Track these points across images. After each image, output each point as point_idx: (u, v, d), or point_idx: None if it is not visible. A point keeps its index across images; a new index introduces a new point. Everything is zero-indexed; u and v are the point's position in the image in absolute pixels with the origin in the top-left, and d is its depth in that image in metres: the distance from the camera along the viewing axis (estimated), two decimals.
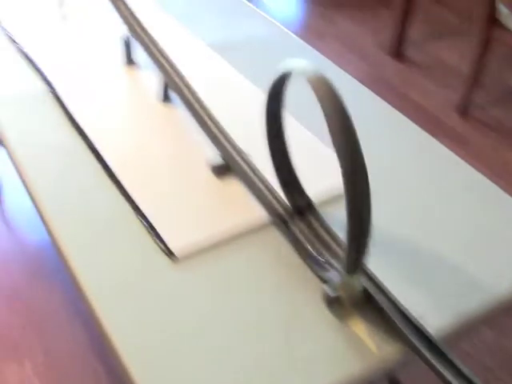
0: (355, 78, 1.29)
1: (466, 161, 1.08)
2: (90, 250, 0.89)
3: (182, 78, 1.10)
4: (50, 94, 1.20)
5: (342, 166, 0.68)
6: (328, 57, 1.37)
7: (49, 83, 1.22)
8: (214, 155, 1.01)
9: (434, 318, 0.80)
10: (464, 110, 2.63)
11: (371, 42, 3.13)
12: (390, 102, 1.22)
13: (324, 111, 0.68)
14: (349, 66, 2.84)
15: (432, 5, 3.46)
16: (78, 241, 0.90)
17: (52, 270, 1.95)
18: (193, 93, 1.07)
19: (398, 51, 3.01)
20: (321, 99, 0.69)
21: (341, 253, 0.84)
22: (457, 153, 1.10)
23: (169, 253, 0.87)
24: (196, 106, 1.05)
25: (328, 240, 0.87)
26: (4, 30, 1.39)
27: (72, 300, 1.86)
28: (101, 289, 0.84)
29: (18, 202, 2.18)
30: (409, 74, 2.89)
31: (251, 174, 0.95)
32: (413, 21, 3.01)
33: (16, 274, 1.94)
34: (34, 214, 2.06)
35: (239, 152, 0.98)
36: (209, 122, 1.03)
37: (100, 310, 0.81)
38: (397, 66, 2.94)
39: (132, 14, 1.24)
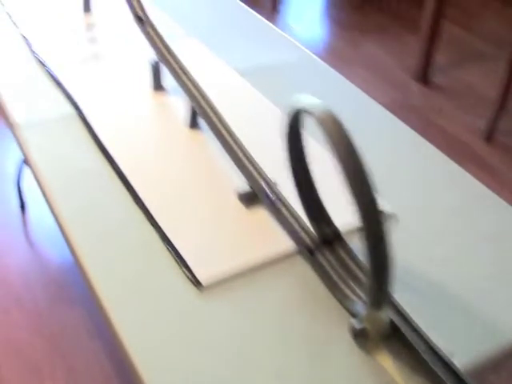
0: (381, 103, 1.29)
1: (491, 187, 1.06)
2: (114, 274, 0.89)
3: (210, 104, 1.10)
4: (78, 118, 1.20)
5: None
6: (353, 81, 1.36)
7: (77, 107, 1.22)
8: (241, 183, 1.01)
9: (463, 354, 0.79)
10: (490, 136, 2.62)
11: (397, 66, 3.13)
12: (415, 127, 1.21)
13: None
14: (374, 91, 2.84)
15: (458, 29, 3.46)
16: (102, 265, 0.90)
17: (75, 292, 1.95)
18: (221, 119, 1.07)
19: (424, 76, 3.00)
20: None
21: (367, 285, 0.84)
22: (482, 179, 1.09)
23: (195, 281, 0.87)
24: (224, 132, 1.05)
25: (355, 271, 0.86)
26: (34, 53, 1.40)
27: (95, 322, 1.87)
28: (125, 315, 0.84)
29: (41, 223, 2.19)
30: (435, 99, 2.88)
31: (278, 203, 0.95)
32: (439, 45, 3.01)
33: (38, 294, 1.95)
34: (57, 235, 2.08)
35: (266, 180, 0.97)
36: (236, 149, 1.03)
37: (124, 336, 0.81)
38: (423, 91, 2.93)
39: (161, 38, 1.25)
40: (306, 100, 0.74)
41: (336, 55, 3.25)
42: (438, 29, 2.92)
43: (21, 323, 1.87)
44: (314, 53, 1.46)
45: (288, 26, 3.46)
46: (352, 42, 3.39)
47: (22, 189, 2.24)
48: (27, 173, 2.26)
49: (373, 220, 0.68)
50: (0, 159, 2.49)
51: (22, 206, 2.23)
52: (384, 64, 3.16)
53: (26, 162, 1.15)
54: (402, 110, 2.76)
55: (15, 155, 2.48)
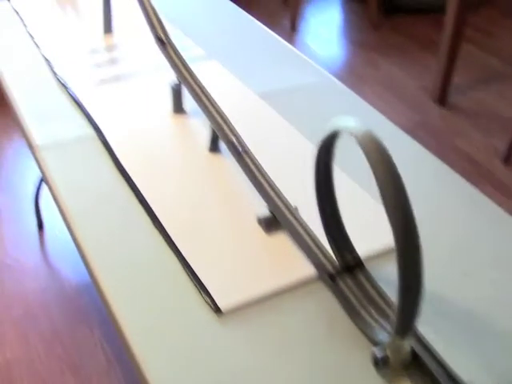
0: (398, 123, 1.28)
1: (509, 209, 1.05)
2: (133, 298, 0.89)
3: (231, 128, 1.10)
4: (98, 140, 1.20)
5: (395, 238, 0.67)
6: (371, 101, 1.36)
7: (97, 128, 1.22)
8: (261, 207, 1.01)
9: (482, 383, 0.78)
10: (508, 157, 2.61)
11: (415, 86, 3.12)
12: (433, 149, 1.21)
13: (376, 177, 0.67)
14: (392, 112, 2.84)
15: (476, 50, 3.45)
16: (121, 288, 0.90)
17: (91, 312, 1.95)
18: (242, 144, 1.07)
19: (442, 97, 3.00)
20: (373, 164, 0.68)
21: (390, 313, 0.83)
22: (499, 200, 1.08)
23: (215, 308, 0.86)
24: (245, 157, 1.05)
25: (377, 299, 0.85)
26: (55, 74, 1.40)
27: (111, 343, 1.86)
28: (143, 339, 0.83)
29: (58, 242, 2.20)
30: (453, 120, 2.88)
31: (299, 229, 0.94)
32: (458, 66, 3.01)
33: (55, 314, 1.95)
34: (74, 255, 2.08)
35: (287, 205, 0.97)
36: (257, 174, 1.02)
37: (142, 360, 0.81)
38: (441, 112, 2.93)
39: (182, 61, 1.25)
40: (345, 121, 0.74)
41: (354, 75, 3.25)
42: (456, 50, 2.91)
43: (37, 343, 1.87)
44: (332, 72, 1.46)
45: (307, 46, 3.47)
46: (370, 62, 3.39)
47: (39, 208, 2.25)
48: (45, 192, 2.27)
49: (410, 244, 0.68)
50: (18, 178, 2.50)
51: (40, 225, 2.24)
52: (402, 84, 3.16)
53: (44, 181, 1.15)
54: (420, 131, 2.76)
55: (33, 174, 2.49)
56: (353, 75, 3.25)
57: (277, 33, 1.65)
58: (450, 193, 1.11)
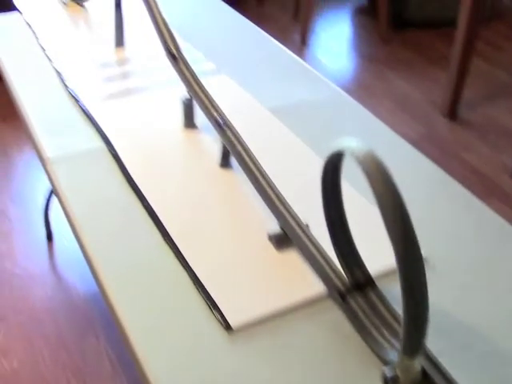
0: (408, 137, 1.28)
1: None
2: (142, 311, 0.89)
3: (242, 144, 1.10)
4: (109, 153, 1.21)
5: (397, 258, 0.67)
6: (380, 115, 1.36)
7: (108, 142, 1.23)
8: (272, 224, 1.01)
9: None
10: None
11: (424, 101, 3.12)
12: (441, 163, 1.21)
13: (376, 197, 0.67)
14: (401, 125, 2.84)
15: (485, 64, 3.45)
16: (130, 301, 0.90)
17: (99, 323, 1.95)
18: (253, 160, 1.07)
19: (451, 111, 2.99)
20: (373, 185, 0.68)
21: (400, 331, 0.83)
22: (507, 215, 1.08)
23: (225, 324, 0.86)
24: (256, 173, 1.05)
25: (388, 317, 0.85)
26: (67, 87, 1.41)
27: (119, 353, 1.86)
28: (152, 353, 0.83)
29: (67, 253, 2.20)
30: (462, 134, 2.87)
31: (309, 246, 0.94)
32: (468, 81, 3.00)
33: (62, 323, 1.95)
34: (82, 266, 2.09)
35: (298, 222, 0.97)
36: (268, 190, 1.02)
37: (151, 375, 0.80)
38: (450, 127, 2.93)
39: (193, 76, 1.25)
40: (348, 142, 0.74)
41: (363, 89, 3.25)
42: (467, 64, 2.91)
43: (44, 353, 1.87)
44: (341, 86, 1.47)
45: (317, 59, 3.47)
46: (379, 75, 3.39)
47: (49, 219, 2.25)
48: (55, 203, 2.28)
49: (413, 265, 0.67)
50: (28, 189, 2.51)
51: (49, 236, 2.24)
52: (411, 98, 3.16)
53: (54, 193, 1.15)
54: (429, 145, 2.75)
55: (43, 185, 2.50)
56: (362, 89, 3.25)
57: (287, 47, 1.65)
58: (457, 206, 1.10)
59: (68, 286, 2.07)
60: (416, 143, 2.67)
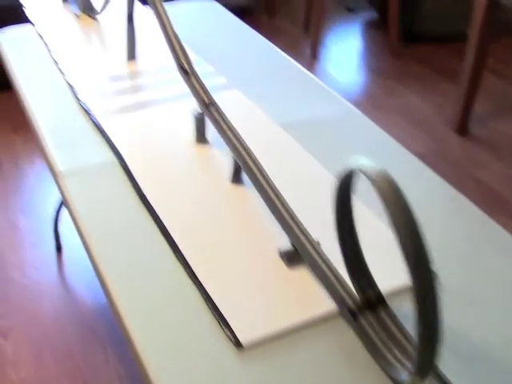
0: (417, 152, 1.28)
1: None
2: (151, 326, 0.89)
3: (254, 160, 1.10)
4: (120, 167, 1.21)
5: (412, 281, 0.67)
6: (390, 129, 1.36)
7: (119, 156, 1.23)
8: (283, 241, 1.00)
9: None
10: None
11: (434, 115, 3.12)
12: (452, 179, 1.20)
13: (389, 217, 0.67)
14: (412, 141, 2.83)
15: (496, 79, 3.45)
16: (139, 316, 0.90)
17: (108, 336, 1.95)
18: (265, 176, 1.07)
19: (462, 127, 2.99)
20: (387, 205, 0.67)
21: (412, 351, 0.82)
22: None
23: (235, 341, 0.86)
24: (267, 189, 1.05)
25: (399, 337, 0.84)
26: (79, 100, 1.41)
27: (127, 367, 1.86)
28: (161, 368, 0.83)
29: (76, 265, 2.20)
30: (473, 150, 2.87)
31: (320, 263, 0.94)
32: (478, 96, 3.00)
33: (70, 335, 1.95)
34: (91, 278, 2.08)
35: (309, 239, 0.96)
36: (279, 207, 1.02)
37: None
38: (461, 142, 2.92)
39: (205, 90, 1.25)
40: (361, 161, 0.74)
41: (374, 103, 3.25)
42: (478, 79, 2.91)
43: (52, 364, 1.87)
44: (351, 100, 1.47)
45: (327, 73, 3.47)
46: (390, 90, 3.39)
47: (59, 231, 2.25)
48: (64, 215, 2.28)
49: (427, 285, 0.67)
50: (39, 201, 2.51)
51: (58, 248, 2.25)
52: (422, 114, 3.15)
53: (65, 206, 1.15)
54: (439, 161, 2.75)
55: (53, 197, 2.50)
56: (372, 103, 3.25)
57: (298, 60, 1.65)
58: (467, 224, 1.10)
59: (76, 298, 2.07)
60: (426, 158, 2.66)
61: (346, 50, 3.85)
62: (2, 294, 2.09)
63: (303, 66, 1.61)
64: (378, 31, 4.10)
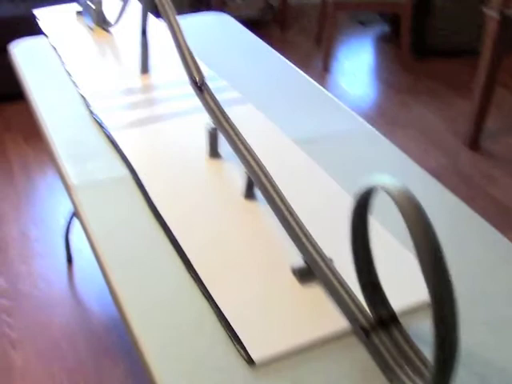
0: (430, 167, 1.28)
1: None
2: (164, 343, 0.88)
3: (267, 175, 1.10)
4: (133, 181, 1.21)
5: (431, 299, 0.66)
6: (401, 144, 1.36)
7: (132, 169, 1.23)
8: (296, 257, 1.00)
9: None
10: None
11: (447, 131, 3.11)
12: (463, 194, 1.20)
13: (412, 237, 0.67)
14: (423, 155, 2.83)
15: (508, 94, 3.44)
16: (152, 331, 0.90)
17: (118, 348, 1.94)
18: (278, 192, 1.07)
19: (474, 141, 2.98)
20: (409, 225, 0.67)
21: (425, 372, 0.82)
22: None
23: (248, 359, 0.85)
24: (280, 205, 1.05)
25: (412, 357, 0.84)
26: (92, 113, 1.41)
27: (137, 380, 1.85)
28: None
29: (87, 277, 2.20)
30: (485, 165, 2.86)
31: (333, 281, 0.93)
32: (491, 111, 2.99)
33: (81, 348, 1.95)
34: (102, 290, 2.08)
35: (322, 256, 0.96)
36: (292, 223, 1.02)
37: None
38: (473, 157, 2.91)
39: (218, 106, 1.25)
40: (382, 179, 0.74)
41: (385, 116, 3.25)
42: (490, 94, 2.90)
43: (62, 376, 1.87)
44: (363, 113, 1.46)
45: (339, 86, 3.47)
46: (402, 103, 3.39)
47: (69, 242, 2.26)
48: (75, 226, 2.28)
49: (447, 305, 0.67)
50: (50, 212, 2.52)
51: (69, 259, 2.25)
52: (434, 128, 3.15)
53: (78, 220, 1.15)
54: (451, 175, 2.74)
55: (65, 208, 2.51)
56: (384, 117, 3.24)
57: (310, 73, 1.66)
58: (480, 242, 1.09)
59: (86, 310, 2.07)
60: (437, 172, 2.66)
61: (357, 63, 3.85)
62: (12, 305, 2.09)
63: (315, 79, 1.61)
64: (389, 45, 4.10)
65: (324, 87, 1.56)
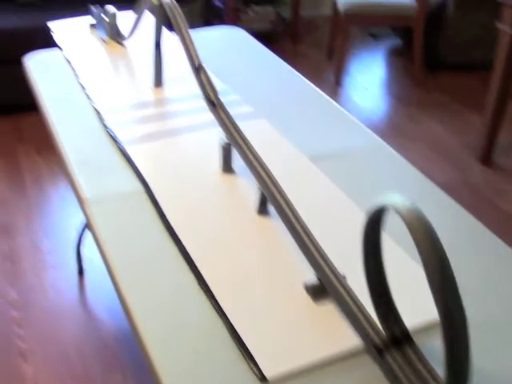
0: (441, 181, 1.27)
1: None
2: (175, 359, 0.88)
3: (280, 191, 1.10)
4: (146, 195, 1.21)
5: (441, 319, 0.66)
6: (413, 158, 1.36)
7: (145, 184, 1.23)
8: (309, 274, 1.00)
9: None
10: None
11: (459, 145, 3.11)
12: (475, 208, 1.19)
13: (421, 255, 0.67)
14: (435, 169, 2.82)
15: None
16: (163, 346, 0.90)
17: (128, 361, 1.94)
18: (291, 208, 1.07)
19: (486, 156, 2.98)
20: (418, 245, 0.67)
21: None
22: None
23: (260, 375, 0.85)
24: (293, 221, 1.05)
25: (424, 374, 0.83)
26: (106, 127, 1.42)
27: None
28: None
29: (98, 289, 2.20)
30: (496, 180, 2.85)
31: (346, 298, 0.93)
32: (503, 126, 2.99)
33: (91, 359, 1.95)
34: (112, 303, 2.08)
35: (335, 273, 0.96)
36: (305, 239, 1.02)
37: None
38: (485, 172, 2.90)
39: (232, 122, 1.25)
40: (392, 197, 0.74)
41: (397, 130, 3.25)
42: (502, 109, 2.90)
43: None
44: (375, 127, 1.46)
45: (351, 100, 3.47)
46: (413, 117, 3.38)
47: (81, 254, 2.26)
48: (87, 238, 2.29)
49: (457, 325, 0.67)
50: (62, 223, 2.52)
51: (80, 271, 2.25)
52: (445, 142, 3.14)
53: (89, 230, 1.15)
54: (462, 190, 2.73)
55: (76, 220, 2.51)
56: (395, 130, 3.24)
57: (321, 86, 1.66)
58: (492, 258, 1.09)
59: (97, 322, 2.07)
60: (448, 187, 2.65)
61: (369, 76, 3.85)
62: (24, 316, 2.10)
63: (327, 92, 1.62)
64: (401, 58, 4.11)
65: (336, 101, 1.57)
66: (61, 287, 2.21)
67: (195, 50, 1.34)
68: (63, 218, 2.55)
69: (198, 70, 1.32)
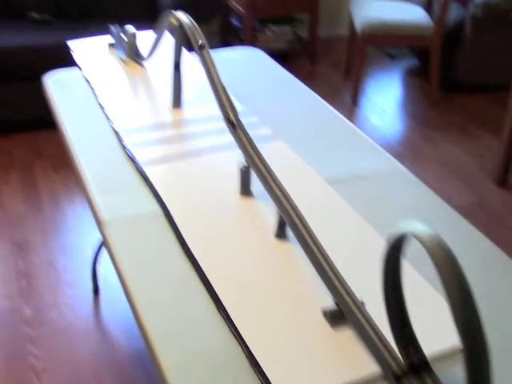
0: (458, 204, 1.27)
1: None
2: (190, 376, 0.88)
3: (299, 215, 1.09)
4: (164, 217, 1.21)
5: (463, 348, 0.66)
6: (430, 179, 1.35)
7: (163, 206, 1.23)
8: (328, 299, 1.00)
9: None
10: None
11: (475, 167, 3.10)
12: (492, 232, 1.18)
13: (443, 284, 0.67)
14: (451, 191, 2.81)
15: None
16: (178, 365, 0.90)
17: (142, 382, 1.94)
18: (310, 232, 1.06)
19: (503, 178, 2.96)
20: (440, 270, 0.67)
21: None
22: None
23: None
24: (312, 246, 1.04)
25: None
26: (125, 148, 1.42)
27: None
28: None
29: (113, 308, 2.20)
30: None
31: (365, 325, 0.92)
32: None
33: (105, 379, 1.95)
34: (127, 322, 2.08)
35: (354, 300, 0.95)
36: (324, 265, 1.01)
37: None
38: (502, 195, 2.89)
39: (251, 144, 1.25)
40: (413, 225, 0.74)
41: (413, 151, 3.24)
42: None
43: None
44: (391, 148, 1.46)
45: (367, 120, 3.47)
46: (429, 138, 3.38)
47: (97, 272, 2.26)
48: (103, 256, 2.29)
49: (479, 354, 0.66)
50: (78, 241, 2.53)
51: (96, 290, 2.25)
52: (462, 164, 3.13)
53: (106, 250, 1.16)
54: (479, 212, 2.72)
55: (93, 238, 2.52)
56: (412, 151, 3.23)
57: (338, 107, 1.66)
58: (504, 280, 1.08)
59: (112, 342, 2.07)
60: (465, 209, 2.64)
61: (386, 97, 3.85)
62: (38, 334, 2.10)
63: (344, 113, 1.62)
64: (418, 79, 4.10)
65: (352, 121, 1.57)
66: (76, 306, 2.21)
67: (216, 72, 1.35)
68: (79, 236, 2.55)
69: (219, 90, 1.32)
